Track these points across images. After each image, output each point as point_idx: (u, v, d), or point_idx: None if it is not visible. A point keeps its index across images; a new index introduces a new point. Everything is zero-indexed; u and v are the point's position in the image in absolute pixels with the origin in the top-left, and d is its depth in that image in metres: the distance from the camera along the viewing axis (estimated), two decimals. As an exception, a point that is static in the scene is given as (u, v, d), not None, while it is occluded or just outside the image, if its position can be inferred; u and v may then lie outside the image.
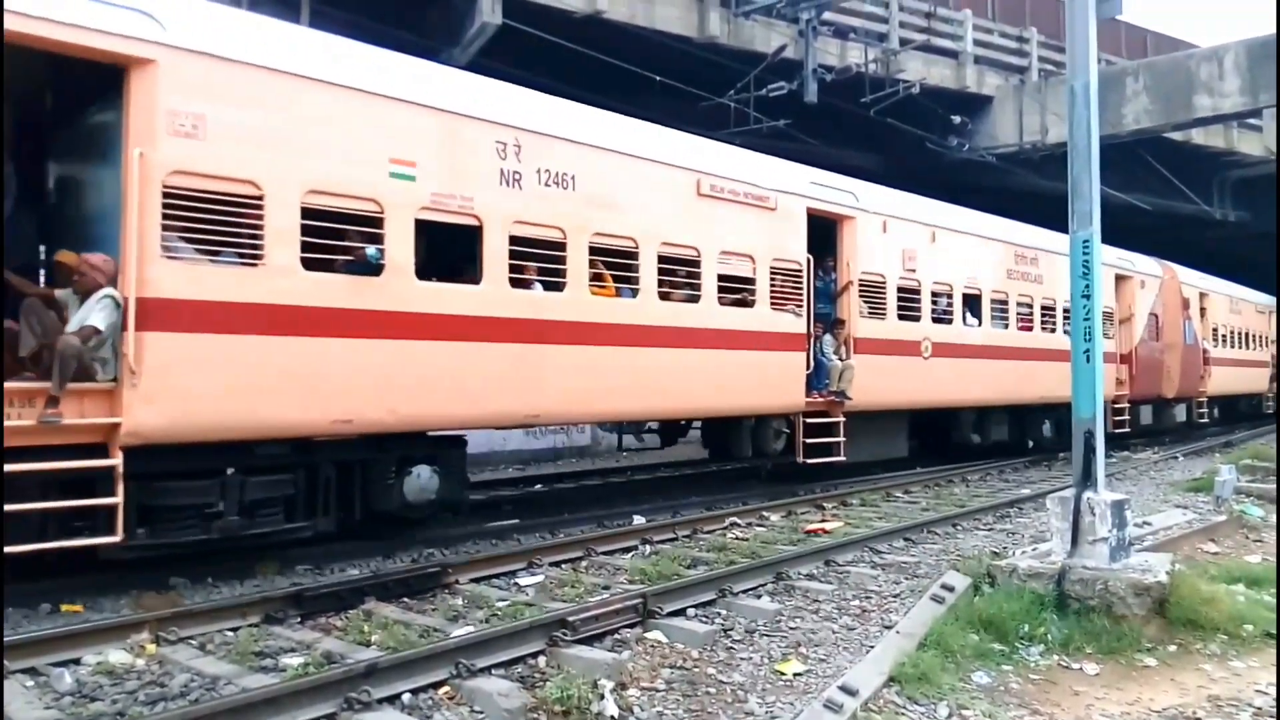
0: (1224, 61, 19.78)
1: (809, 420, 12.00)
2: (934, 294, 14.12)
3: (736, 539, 9.20)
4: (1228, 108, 20.13)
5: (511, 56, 13.98)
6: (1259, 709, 4.87)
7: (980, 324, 14.96)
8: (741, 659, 5.55)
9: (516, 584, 7.32)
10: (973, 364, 14.59)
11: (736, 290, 10.88)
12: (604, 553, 8.39)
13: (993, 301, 15.35)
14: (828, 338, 12.38)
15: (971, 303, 14.86)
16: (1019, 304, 16.07)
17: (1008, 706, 4.91)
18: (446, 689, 4.85)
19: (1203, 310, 23.10)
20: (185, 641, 5.61)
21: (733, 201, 10.77)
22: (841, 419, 12.34)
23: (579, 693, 4.61)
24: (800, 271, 11.72)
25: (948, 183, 20.26)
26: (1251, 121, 24.40)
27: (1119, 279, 18.79)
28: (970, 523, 10.42)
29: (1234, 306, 25.68)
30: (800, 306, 11.67)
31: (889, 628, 6.02)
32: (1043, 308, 16.61)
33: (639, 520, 9.95)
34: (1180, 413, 23.23)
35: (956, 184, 20.54)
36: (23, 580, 6.74)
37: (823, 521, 10.16)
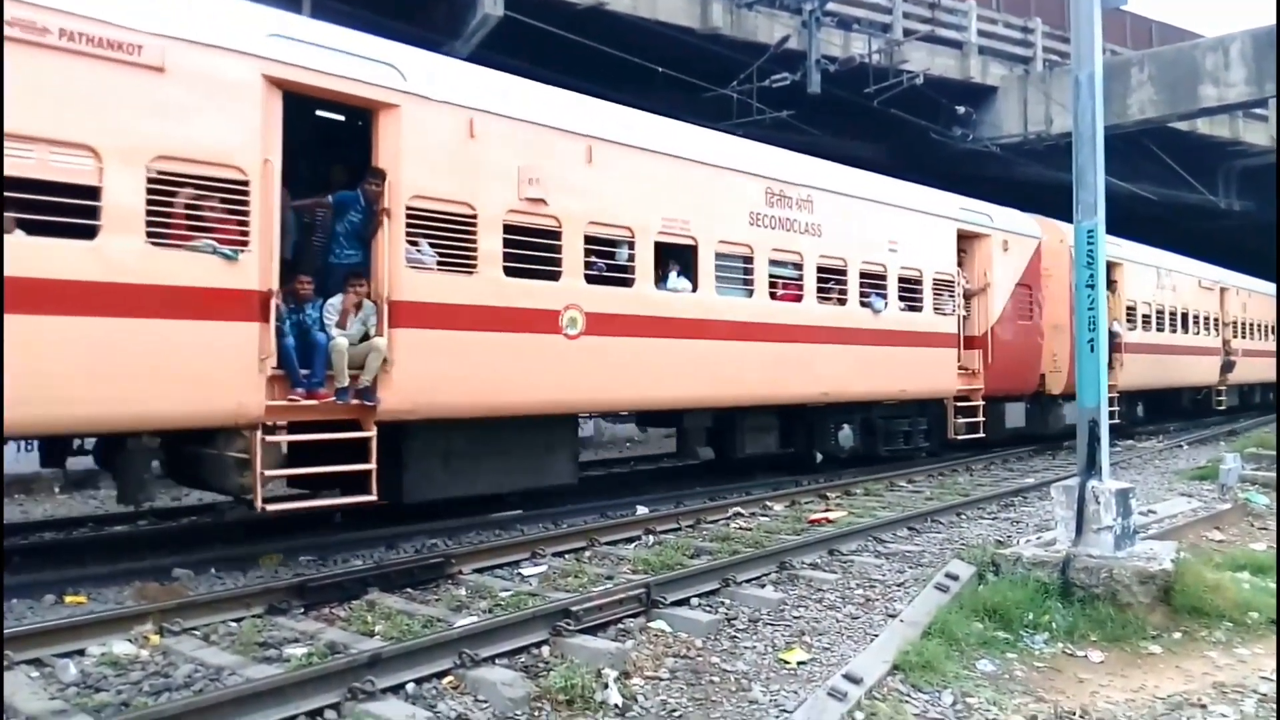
0: (1230, 51, 19.67)
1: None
2: (594, 239, 9.37)
3: (740, 529, 9.20)
4: (1233, 97, 20.02)
5: (513, 48, 13.94)
6: (1264, 695, 4.85)
7: (696, 288, 10.37)
8: (745, 648, 5.54)
9: (520, 574, 7.32)
10: (680, 346, 10.12)
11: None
12: (607, 543, 8.39)
13: (721, 256, 10.69)
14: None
15: (679, 256, 10.41)
16: (777, 262, 11.47)
17: (1012, 694, 4.90)
18: (450, 679, 4.85)
19: (1112, 283, 18.11)
20: (189, 632, 5.61)
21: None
22: None
23: (583, 682, 4.62)
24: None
25: (951, 173, 20.19)
26: (1257, 111, 24.25)
27: (964, 237, 14.68)
28: (974, 512, 10.41)
29: (1164, 280, 21.14)
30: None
31: (893, 616, 6.01)
32: (824, 270, 12.02)
33: (642, 511, 9.95)
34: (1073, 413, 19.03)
35: (960, 175, 20.47)
36: (26, 572, 6.77)
37: (826, 511, 10.15)
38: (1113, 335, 16.71)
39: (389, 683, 4.64)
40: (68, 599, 6.41)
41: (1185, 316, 22.16)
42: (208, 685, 4.74)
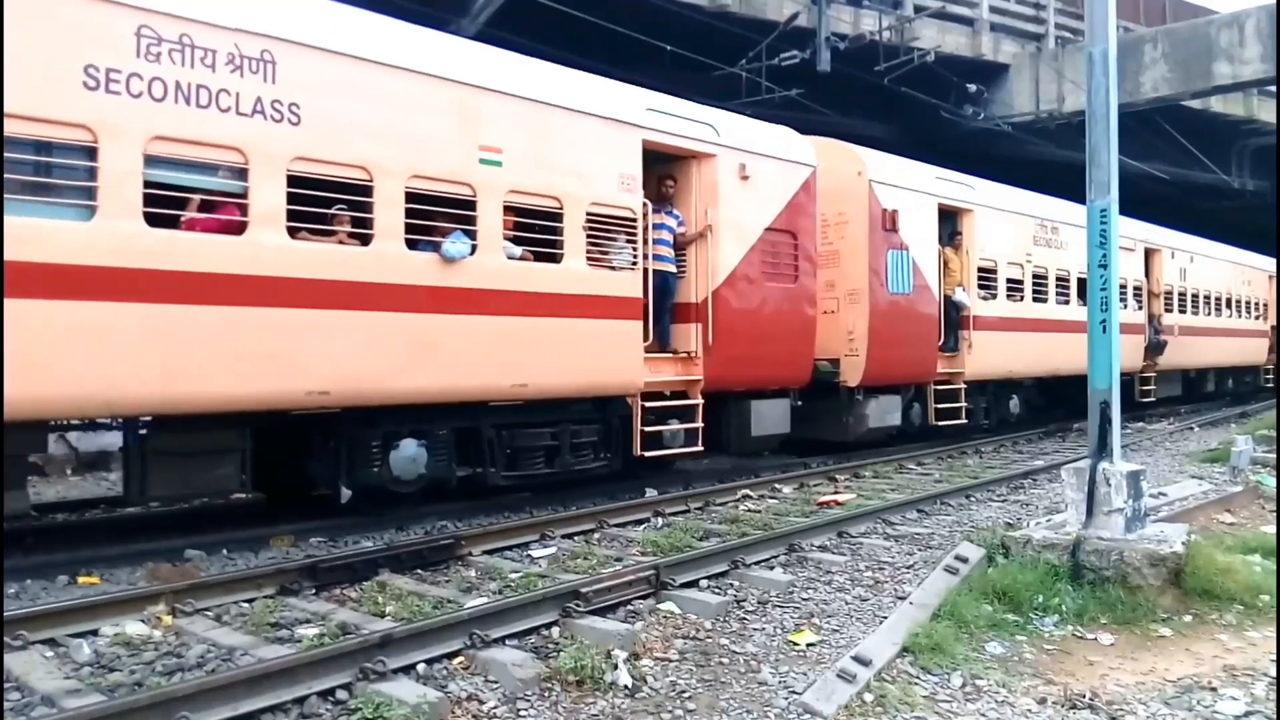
0: (1245, 27, 19.46)
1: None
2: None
3: (749, 511, 9.20)
4: (1248, 75, 19.81)
5: (520, 26, 13.85)
6: (1275, 679, 4.84)
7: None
8: (754, 630, 5.55)
9: (529, 555, 7.34)
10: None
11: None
12: (616, 525, 8.41)
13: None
14: None
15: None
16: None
17: (1022, 676, 4.90)
18: (461, 659, 4.87)
19: (956, 237, 14.47)
20: (201, 613, 5.64)
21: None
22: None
23: (593, 663, 4.63)
24: None
25: (962, 152, 20.05)
26: (1272, 89, 23.98)
27: (666, 156, 10.24)
28: (984, 494, 10.39)
29: (1042, 235, 16.24)
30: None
31: (902, 598, 6.01)
32: (318, 183, 7.29)
33: (651, 492, 9.97)
34: (889, 408, 13.18)
35: (971, 153, 20.33)
36: (40, 553, 6.82)
37: (835, 493, 10.15)
38: (957, 307, 14.15)
39: (400, 663, 4.66)
40: (81, 580, 6.46)
41: (1083, 284, 17.66)
42: (220, 665, 4.77)
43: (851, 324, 12.66)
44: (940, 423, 13.99)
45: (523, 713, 4.35)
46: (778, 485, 10.59)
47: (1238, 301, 24.36)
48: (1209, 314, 22.70)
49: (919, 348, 13.53)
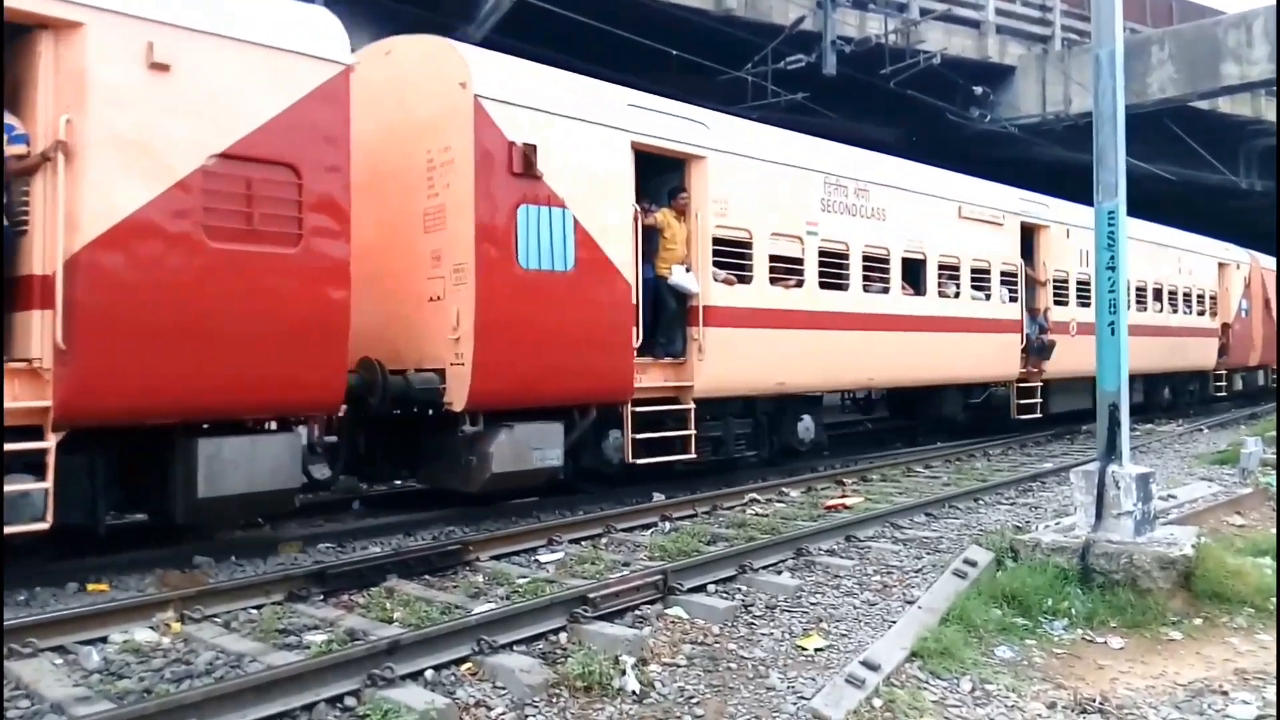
0: (1252, 28, 19.38)
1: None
2: None
3: (756, 515, 9.19)
4: (1255, 75, 19.73)
5: (526, 33, 13.88)
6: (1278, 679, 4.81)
7: None
8: (762, 634, 5.54)
9: (537, 561, 7.34)
10: None
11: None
12: (623, 529, 8.40)
13: None
14: None
15: None
16: None
17: (1031, 680, 4.88)
18: (469, 665, 4.87)
19: (680, 196, 10.25)
20: (210, 619, 5.65)
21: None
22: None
23: (600, 668, 4.62)
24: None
25: (969, 155, 20.02)
26: (1280, 89, 23.92)
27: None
28: (992, 497, 10.36)
29: (850, 200, 12.06)
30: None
31: (911, 603, 5.99)
32: None
33: (658, 497, 9.94)
34: (536, 443, 8.80)
35: (978, 156, 20.30)
36: (50, 560, 6.83)
37: (843, 497, 10.12)
38: (681, 296, 10.11)
39: (408, 669, 4.66)
40: (90, 587, 6.46)
41: (914, 266, 13.19)
42: (229, 672, 4.77)
43: (455, 316, 8.29)
44: (642, 460, 9.61)
45: (530, 719, 4.35)
46: (785, 489, 10.56)
47: (1172, 294, 20.12)
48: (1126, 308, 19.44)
49: (593, 352, 9.15)
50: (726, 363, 10.34)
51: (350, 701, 4.38)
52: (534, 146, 8.50)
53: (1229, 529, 8.36)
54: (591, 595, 5.68)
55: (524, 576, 6.71)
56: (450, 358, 8.33)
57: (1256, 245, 25.84)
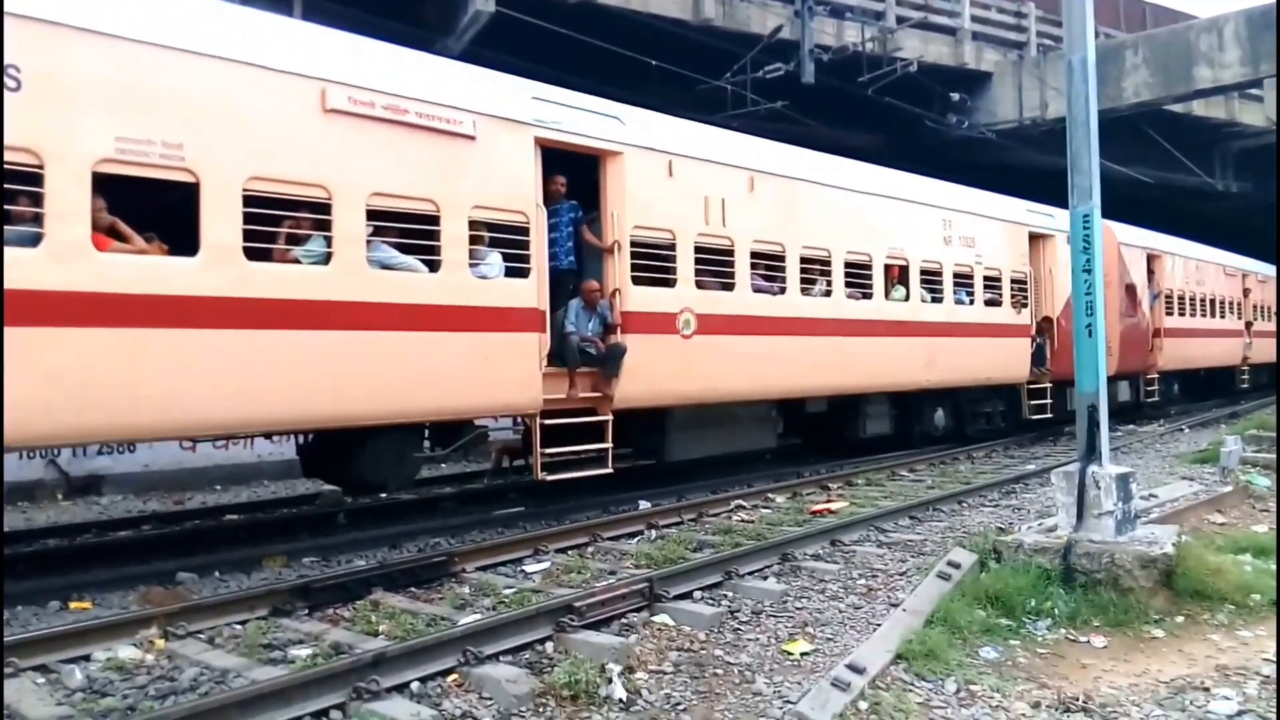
0: (1224, 32, 19.63)
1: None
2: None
3: (742, 521, 9.21)
4: (1228, 79, 19.98)
5: (505, 45, 13.91)
6: (1267, 678, 4.86)
7: None
8: (748, 640, 5.56)
9: (523, 571, 7.33)
10: None
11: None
12: (610, 538, 8.40)
13: None
14: None
15: None
16: None
17: (1015, 680, 4.91)
18: (455, 677, 4.86)
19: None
20: (194, 636, 5.62)
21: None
22: None
23: (587, 677, 4.63)
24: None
25: (948, 161, 20.17)
26: (1253, 92, 24.19)
27: None
28: (975, 499, 10.41)
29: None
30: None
31: (896, 606, 6.02)
32: None
33: (644, 505, 9.96)
34: None
35: (956, 162, 20.45)
36: (31, 578, 6.79)
37: (828, 502, 10.16)
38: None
39: (393, 682, 4.65)
40: (73, 605, 6.43)
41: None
42: (213, 688, 4.75)
43: None
44: None
45: (517, 728, 4.34)
46: (770, 495, 10.59)
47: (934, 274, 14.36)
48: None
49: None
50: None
51: (335, 715, 4.38)
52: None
53: (1210, 527, 8.44)
54: (578, 604, 5.68)
55: (510, 587, 6.70)
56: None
57: (1235, 246, 26.08)
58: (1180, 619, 5.82)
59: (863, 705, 4.47)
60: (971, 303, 14.85)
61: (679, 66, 15.49)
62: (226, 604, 6.10)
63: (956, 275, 14.51)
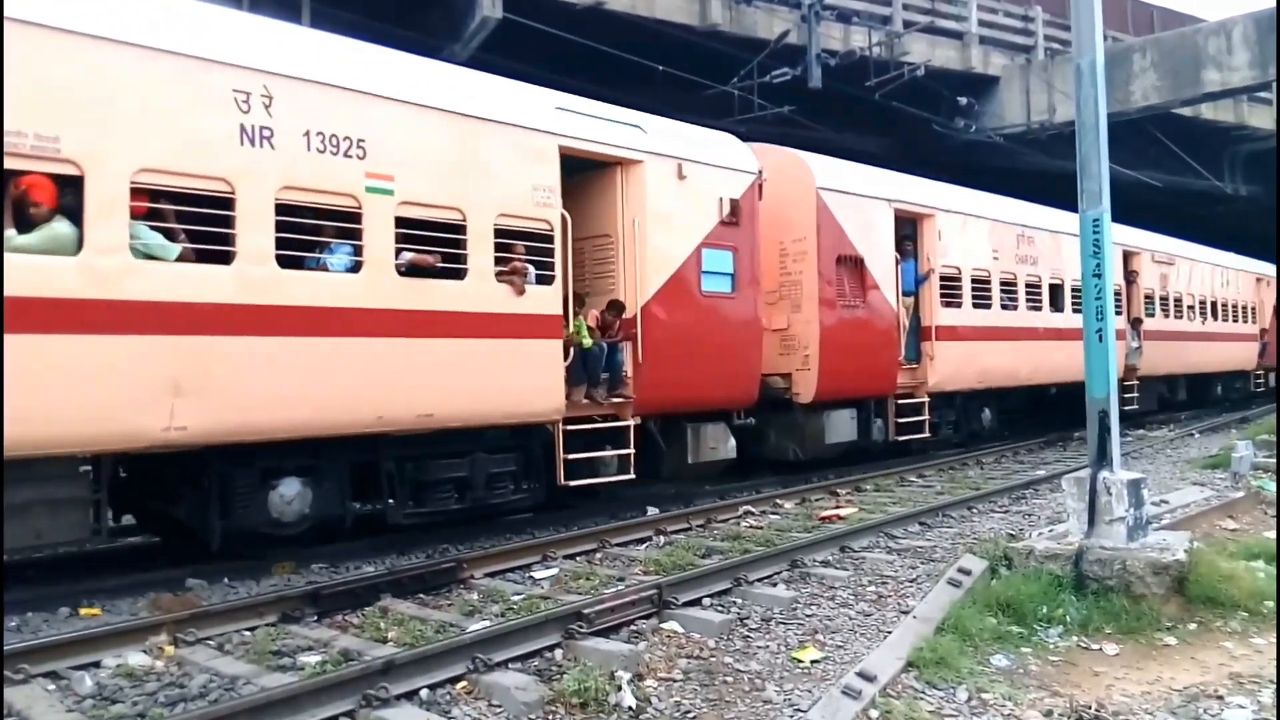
0: (1232, 35, 19.56)
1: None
2: None
3: (750, 527, 9.19)
4: (1237, 82, 19.90)
5: (513, 50, 13.93)
6: (1278, 684, 4.83)
7: None
8: (758, 647, 5.54)
9: (531, 577, 7.32)
10: None
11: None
12: (618, 544, 8.39)
13: None
14: None
15: None
16: None
17: (1027, 688, 4.89)
18: (464, 684, 4.85)
19: None
20: (203, 642, 5.63)
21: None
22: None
23: (596, 685, 4.61)
24: None
25: (955, 165, 20.14)
26: (1262, 95, 24.06)
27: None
28: (985, 505, 10.37)
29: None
30: None
31: (906, 613, 6.00)
32: None
33: (652, 511, 9.95)
34: None
35: (963, 166, 20.42)
36: (41, 585, 6.80)
37: (837, 508, 10.13)
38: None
39: (403, 689, 4.65)
40: (83, 611, 6.43)
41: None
42: (223, 695, 4.75)
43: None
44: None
45: (527, 736, 4.33)
46: (779, 500, 10.57)
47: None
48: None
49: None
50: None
51: (345, 722, 4.36)
52: None
53: (1222, 533, 8.39)
54: (586, 611, 5.67)
55: (519, 593, 6.69)
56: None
57: (1242, 249, 25.96)
58: (1193, 626, 5.78)
59: (874, 714, 4.45)
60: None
61: (686, 71, 15.51)
62: (236, 610, 6.10)
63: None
